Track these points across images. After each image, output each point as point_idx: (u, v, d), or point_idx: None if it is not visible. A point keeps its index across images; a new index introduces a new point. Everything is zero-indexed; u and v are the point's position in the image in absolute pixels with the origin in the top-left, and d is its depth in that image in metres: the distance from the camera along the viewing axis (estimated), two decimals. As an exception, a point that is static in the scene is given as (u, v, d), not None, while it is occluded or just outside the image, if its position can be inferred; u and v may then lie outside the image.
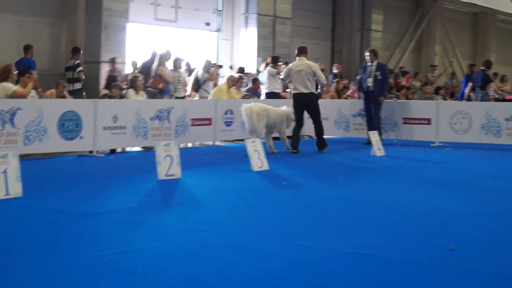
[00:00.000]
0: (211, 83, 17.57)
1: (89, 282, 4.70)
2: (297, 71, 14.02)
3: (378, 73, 15.62)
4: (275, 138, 13.94)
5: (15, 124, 11.72)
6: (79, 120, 12.72)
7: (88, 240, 5.94)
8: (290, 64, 14.73)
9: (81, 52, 16.79)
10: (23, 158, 10.01)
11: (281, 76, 15.19)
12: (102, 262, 5.20)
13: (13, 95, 12.40)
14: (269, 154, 11.98)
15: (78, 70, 16.30)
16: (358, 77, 16.38)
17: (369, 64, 15.86)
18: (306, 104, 14.08)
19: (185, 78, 17.40)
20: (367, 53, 16.02)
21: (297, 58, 14.35)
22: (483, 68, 18.35)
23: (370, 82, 15.67)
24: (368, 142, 14.33)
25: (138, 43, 19.87)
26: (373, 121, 15.60)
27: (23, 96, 12.51)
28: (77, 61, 16.46)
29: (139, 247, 5.70)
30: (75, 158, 12.65)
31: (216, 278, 4.86)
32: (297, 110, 14.08)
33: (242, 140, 14.16)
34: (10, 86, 12.55)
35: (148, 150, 13.81)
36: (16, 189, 7.85)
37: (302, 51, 14.38)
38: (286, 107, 14.00)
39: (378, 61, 16.05)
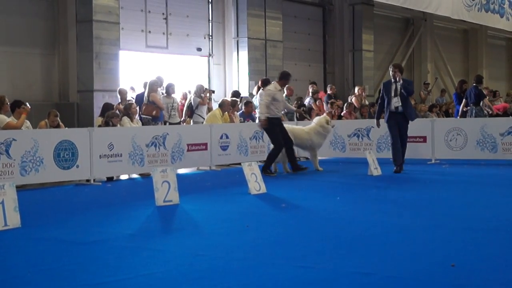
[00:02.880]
0: (204, 108, 17.58)
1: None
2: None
3: (403, 91, 13.69)
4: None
5: (11, 155, 11.71)
6: (74, 149, 12.71)
7: (88, 268, 5.90)
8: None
9: None
10: (20, 189, 10.00)
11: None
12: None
13: (7, 127, 12.39)
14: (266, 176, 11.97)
15: None
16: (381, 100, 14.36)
17: (393, 81, 13.83)
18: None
19: (179, 104, 17.42)
20: (391, 69, 14.00)
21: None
22: (475, 84, 18.40)
23: (397, 101, 13.72)
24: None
25: (130, 70, 19.89)
26: (399, 144, 13.94)
27: (16, 128, 12.50)
28: None
29: (141, 273, 5.66)
30: (73, 187, 12.63)
31: (220, 302, 4.83)
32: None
33: (238, 164, 14.16)
34: (3, 118, 12.55)
35: (145, 177, 13.82)
36: (14, 220, 7.81)
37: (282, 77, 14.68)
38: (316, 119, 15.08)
39: (403, 77, 14.03)
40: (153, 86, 16.03)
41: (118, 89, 17.27)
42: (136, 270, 5.76)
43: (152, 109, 15.85)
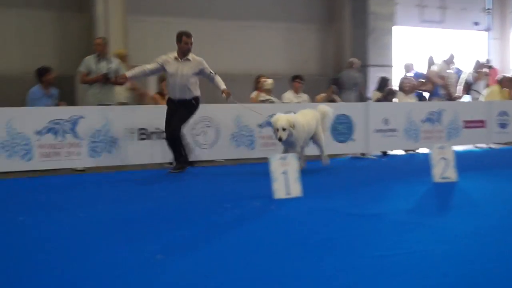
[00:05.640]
0: (481, 84, 17.05)
1: (368, 282, 4.65)
2: None
3: None
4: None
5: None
6: (350, 123, 12.91)
7: (366, 240, 5.94)
8: None
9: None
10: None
11: None
12: (382, 262, 5.15)
13: None
14: None
15: None
16: None
17: None
18: None
19: (454, 80, 17.04)
20: None
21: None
22: None
23: None
24: None
25: (404, 45, 19.76)
26: None
27: None
28: None
29: (419, 249, 5.58)
30: (348, 160, 12.86)
31: None
32: None
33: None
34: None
35: (412, 153, 13.73)
36: (296, 190, 8.08)
37: None
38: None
39: None
40: (430, 62, 15.91)
41: (405, 64, 17.26)
42: (414, 246, 5.69)
43: (425, 84, 15.74)
